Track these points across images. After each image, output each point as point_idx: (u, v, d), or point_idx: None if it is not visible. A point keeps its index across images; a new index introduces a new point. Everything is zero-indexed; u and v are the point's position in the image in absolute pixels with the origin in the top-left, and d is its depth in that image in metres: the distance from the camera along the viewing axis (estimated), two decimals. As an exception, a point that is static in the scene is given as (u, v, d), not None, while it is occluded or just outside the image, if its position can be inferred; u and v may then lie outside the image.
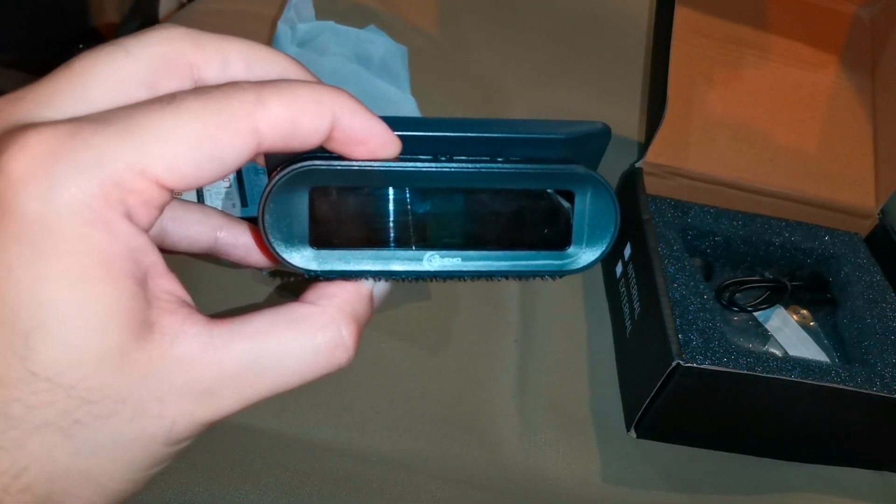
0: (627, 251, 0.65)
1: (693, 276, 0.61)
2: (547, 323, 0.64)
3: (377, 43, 0.74)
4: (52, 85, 0.23)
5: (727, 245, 0.67)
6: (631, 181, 0.67)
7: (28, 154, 0.20)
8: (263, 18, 0.78)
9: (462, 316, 0.63)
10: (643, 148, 0.68)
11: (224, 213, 0.31)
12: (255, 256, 0.32)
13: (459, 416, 0.57)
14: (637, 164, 0.68)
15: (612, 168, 0.70)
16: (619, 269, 0.66)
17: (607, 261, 0.69)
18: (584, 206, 0.28)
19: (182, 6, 0.88)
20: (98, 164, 0.21)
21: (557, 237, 0.29)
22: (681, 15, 0.68)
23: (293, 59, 0.27)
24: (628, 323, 0.62)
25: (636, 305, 0.61)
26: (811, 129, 0.71)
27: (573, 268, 0.29)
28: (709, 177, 0.68)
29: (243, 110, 0.23)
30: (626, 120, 0.82)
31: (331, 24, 0.74)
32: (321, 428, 0.53)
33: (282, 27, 0.72)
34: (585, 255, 0.29)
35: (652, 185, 0.67)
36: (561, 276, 0.29)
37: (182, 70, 0.24)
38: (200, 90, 0.23)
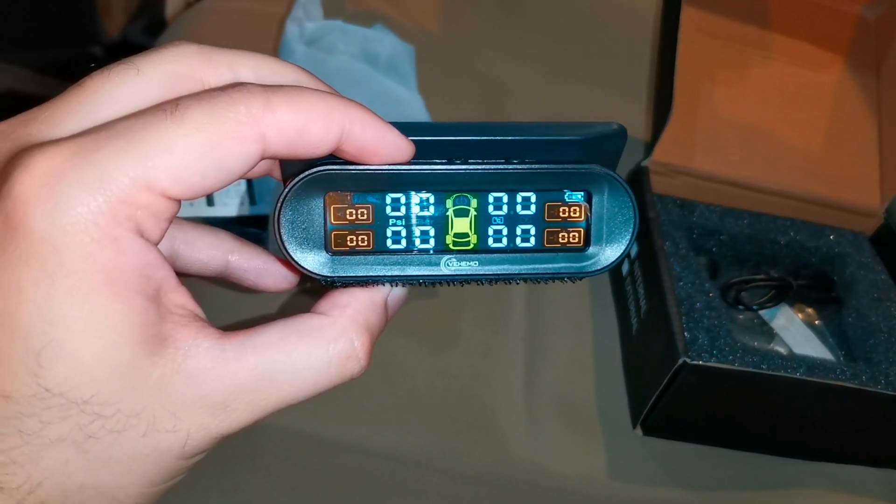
0: (634, 250, 0.65)
1: (699, 275, 0.61)
2: (554, 320, 0.65)
3: (384, 42, 0.75)
4: (64, 104, 0.23)
5: (733, 244, 0.68)
6: (637, 180, 0.68)
7: (32, 175, 0.21)
8: (271, 17, 0.79)
9: (469, 313, 0.63)
10: (649, 147, 0.68)
11: (236, 237, 0.31)
12: (267, 281, 0.32)
13: (466, 413, 0.57)
14: (643, 163, 0.68)
15: (618, 167, 0.71)
16: (625, 267, 0.66)
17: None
18: (601, 207, 0.28)
19: (189, 5, 0.89)
20: (102, 181, 0.21)
21: (576, 239, 0.28)
22: (687, 14, 0.68)
23: (305, 70, 0.27)
24: (634, 321, 0.62)
25: (642, 303, 0.61)
26: (816, 129, 0.72)
27: (593, 269, 0.28)
28: (715, 176, 0.68)
29: (249, 116, 0.22)
30: (632, 119, 0.82)
31: (339, 23, 0.74)
32: (329, 424, 0.53)
33: (290, 26, 0.72)
34: (605, 256, 0.28)
35: (658, 184, 0.67)
36: (581, 279, 0.29)
37: (193, 86, 0.24)
38: (204, 95, 0.23)
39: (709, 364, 0.53)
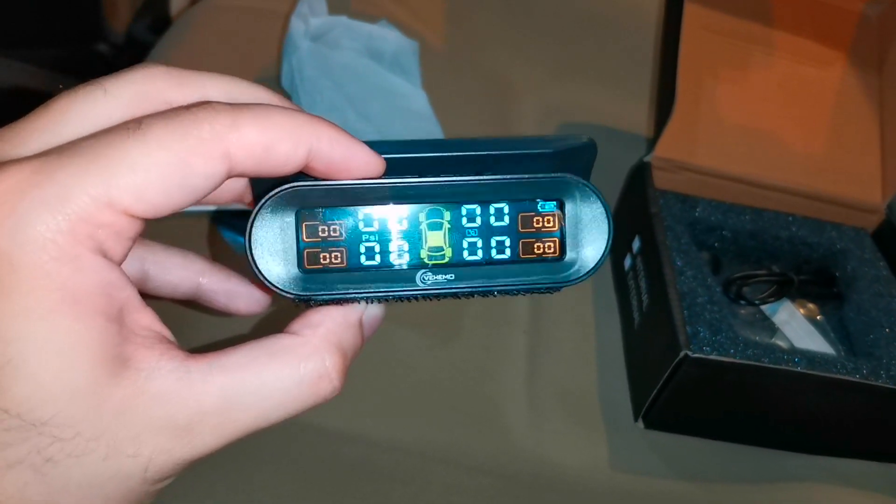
0: (636, 244, 0.65)
1: (701, 270, 0.61)
2: (556, 314, 0.65)
3: (389, 38, 0.75)
4: (30, 124, 0.23)
5: (735, 239, 0.68)
6: (640, 175, 0.68)
7: None
8: (276, 13, 0.79)
9: (472, 306, 0.63)
10: (652, 142, 0.69)
11: (207, 259, 0.31)
12: (238, 303, 0.31)
13: (470, 405, 0.57)
14: (646, 159, 0.68)
15: (621, 162, 0.71)
16: (627, 261, 0.67)
17: (616, 254, 0.70)
18: (575, 216, 0.28)
19: (194, 2, 0.89)
20: (63, 198, 0.21)
21: (551, 249, 0.28)
22: (690, 11, 0.68)
23: (274, 93, 0.26)
24: (637, 315, 0.63)
25: (644, 298, 0.61)
26: (818, 125, 0.72)
27: (570, 279, 0.28)
28: (717, 171, 0.69)
29: (214, 133, 0.22)
30: (635, 115, 0.83)
31: (343, 18, 0.75)
32: (334, 415, 0.53)
33: (295, 22, 0.73)
34: (581, 265, 0.28)
35: (661, 180, 0.68)
36: (559, 290, 0.29)
37: (160, 107, 0.24)
38: (169, 113, 0.22)
39: (710, 357, 0.53)
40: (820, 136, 0.72)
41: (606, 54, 0.90)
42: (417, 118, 0.70)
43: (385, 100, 0.69)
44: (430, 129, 0.70)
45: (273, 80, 0.74)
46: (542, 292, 0.29)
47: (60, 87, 0.24)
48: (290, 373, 0.25)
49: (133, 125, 0.22)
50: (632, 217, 0.68)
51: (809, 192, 0.70)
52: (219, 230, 0.61)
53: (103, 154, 0.21)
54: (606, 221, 0.28)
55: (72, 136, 0.23)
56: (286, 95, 0.72)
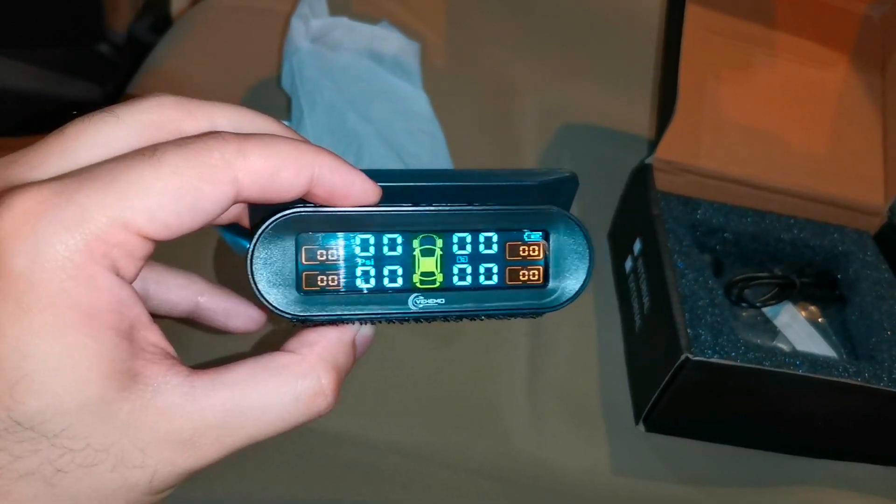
0: (637, 246, 0.65)
1: (702, 272, 0.61)
2: (557, 316, 0.64)
3: (390, 39, 0.75)
4: (45, 149, 0.24)
5: (737, 241, 0.68)
6: (641, 177, 0.68)
7: (14, 213, 0.21)
8: (277, 14, 0.79)
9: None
10: (653, 144, 0.68)
11: (206, 279, 0.32)
12: (236, 322, 0.33)
13: (470, 407, 0.57)
14: (647, 160, 0.68)
15: (622, 164, 0.71)
16: (628, 264, 0.67)
17: (617, 256, 0.70)
18: (559, 245, 0.30)
19: (195, 2, 0.89)
20: (81, 219, 0.22)
21: (535, 276, 0.30)
22: (692, 12, 0.68)
23: (280, 122, 0.28)
24: (638, 317, 0.62)
25: (646, 300, 0.61)
26: (821, 127, 0.72)
27: (552, 305, 0.30)
28: (719, 173, 0.68)
29: (223, 161, 0.23)
30: (636, 116, 0.83)
31: (344, 19, 0.75)
32: (333, 417, 0.53)
33: (295, 23, 0.72)
34: (563, 292, 0.30)
35: (662, 182, 0.68)
36: (542, 315, 0.30)
37: (171, 135, 0.25)
38: (181, 141, 0.24)
39: (711, 360, 0.53)
40: (822, 138, 0.71)
41: (607, 55, 0.90)
42: (418, 120, 0.70)
43: (386, 101, 0.69)
44: (431, 130, 0.70)
45: (273, 80, 0.74)
46: (526, 316, 0.30)
47: (75, 113, 0.25)
48: (288, 389, 0.26)
49: (148, 152, 0.23)
50: (633, 219, 0.67)
51: (812, 195, 0.70)
52: (219, 232, 0.61)
53: (120, 178, 0.22)
54: (588, 252, 0.30)
55: (85, 160, 0.24)
56: (286, 96, 0.72)
